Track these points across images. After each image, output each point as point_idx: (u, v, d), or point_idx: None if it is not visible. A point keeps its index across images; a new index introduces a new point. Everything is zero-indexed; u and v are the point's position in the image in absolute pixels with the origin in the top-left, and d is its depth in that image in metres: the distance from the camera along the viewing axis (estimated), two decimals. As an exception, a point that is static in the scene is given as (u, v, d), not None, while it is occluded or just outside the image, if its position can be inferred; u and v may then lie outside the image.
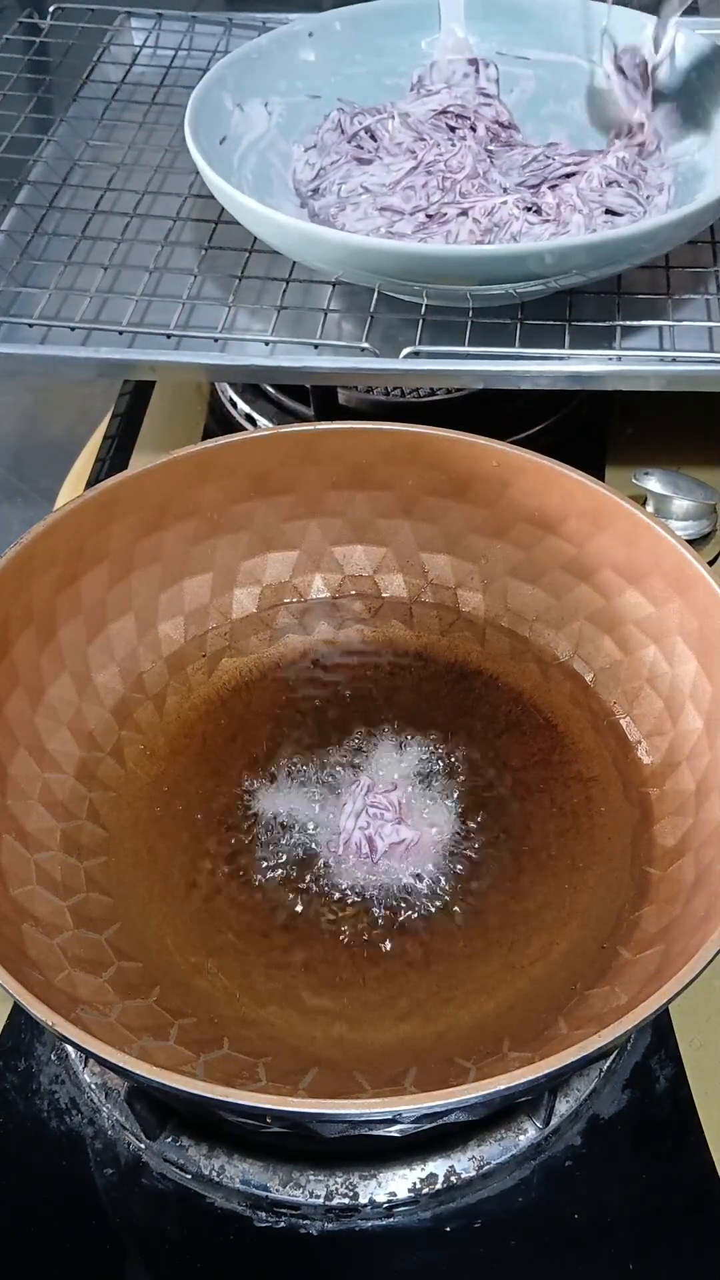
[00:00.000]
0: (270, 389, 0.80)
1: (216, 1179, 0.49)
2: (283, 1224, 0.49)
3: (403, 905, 0.51)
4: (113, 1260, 0.49)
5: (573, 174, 0.73)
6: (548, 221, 0.70)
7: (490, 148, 0.76)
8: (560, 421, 0.77)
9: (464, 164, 0.73)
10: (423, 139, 0.75)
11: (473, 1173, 0.49)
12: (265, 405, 0.79)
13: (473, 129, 0.77)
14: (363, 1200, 0.48)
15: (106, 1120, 0.51)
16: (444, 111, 0.78)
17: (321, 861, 0.53)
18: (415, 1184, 0.49)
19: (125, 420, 0.82)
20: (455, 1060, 0.47)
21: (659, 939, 0.48)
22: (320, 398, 0.74)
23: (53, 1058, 0.53)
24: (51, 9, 0.92)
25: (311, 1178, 0.49)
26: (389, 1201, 0.49)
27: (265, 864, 0.53)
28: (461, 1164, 0.49)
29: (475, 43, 0.81)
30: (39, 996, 0.41)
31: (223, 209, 0.70)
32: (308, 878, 0.52)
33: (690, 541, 0.58)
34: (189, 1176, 0.50)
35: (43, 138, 0.81)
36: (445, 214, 0.71)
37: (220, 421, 0.81)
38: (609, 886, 0.52)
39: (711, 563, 0.56)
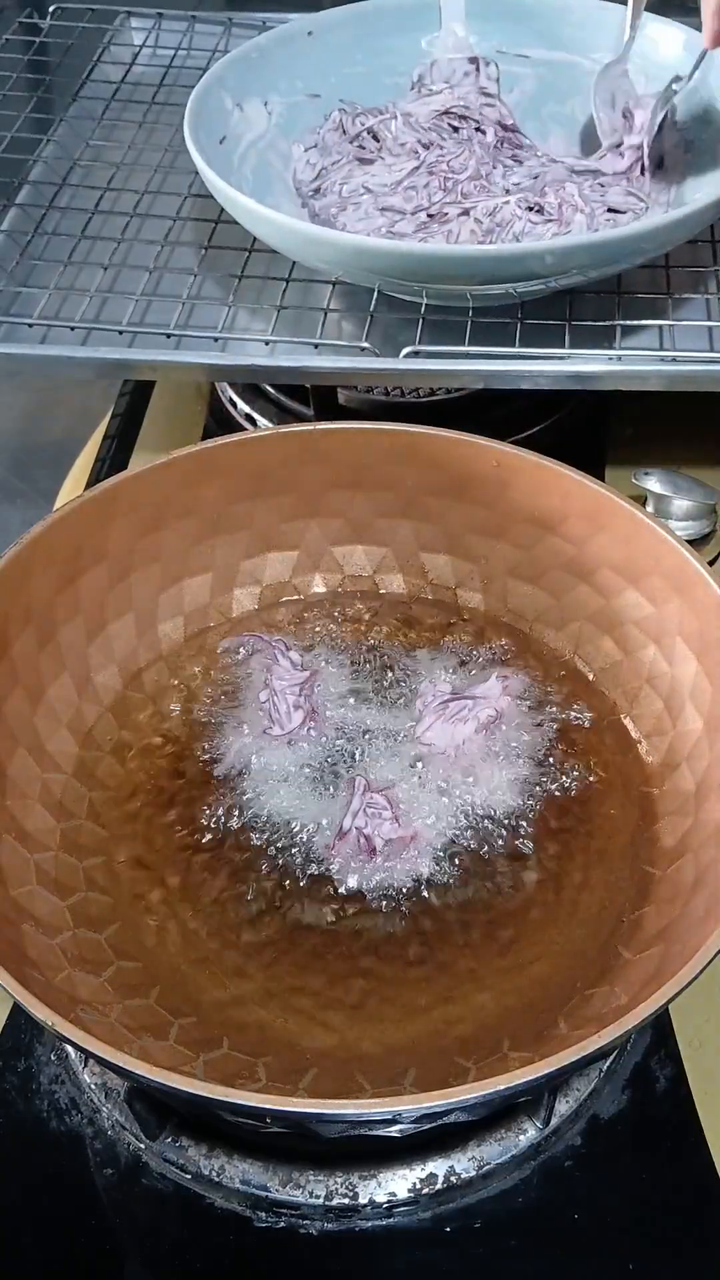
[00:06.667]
0: (270, 389, 0.79)
1: (216, 1179, 0.49)
2: (283, 1224, 0.48)
3: (401, 903, 0.51)
4: (113, 1260, 0.49)
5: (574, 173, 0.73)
6: (550, 221, 0.70)
7: (501, 159, 0.76)
8: (560, 421, 0.77)
9: (466, 165, 0.73)
10: (426, 140, 0.75)
11: (473, 1173, 0.49)
12: (265, 405, 0.79)
13: (479, 131, 0.76)
14: (362, 1200, 0.48)
15: (106, 1120, 0.51)
16: (446, 112, 0.77)
17: (320, 860, 0.53)
18: (415, 1184, 0.49)
19: (125, 420, 0.82)
20: (455, 1060, 0.47)
21: (659, 939, 0.48)
22: (320, 398, 0.74)
23: (53, 1058, 0.53)
24: (51, 9, 0.92)
25: (311, 1178, 0.49)
26: (389, 1202, 0.49)
27: (264, 863, 0.53)
28: (461, 1164, 0.49)
29: (475, 42, 0.81)
30: (39, 996, 0.41)
31: (223, 209, 0.70)
32: (306, 876, 0.52)
33: (690, 541, 0.58)
34: (189, 1176, 0.50)
35: (43, 138, 0.82)
36: (446, 214, 0.71)
37: (220, 421, 0.81)
38: (609, 886, 0.52)
39: (711, 563, 0.56)
